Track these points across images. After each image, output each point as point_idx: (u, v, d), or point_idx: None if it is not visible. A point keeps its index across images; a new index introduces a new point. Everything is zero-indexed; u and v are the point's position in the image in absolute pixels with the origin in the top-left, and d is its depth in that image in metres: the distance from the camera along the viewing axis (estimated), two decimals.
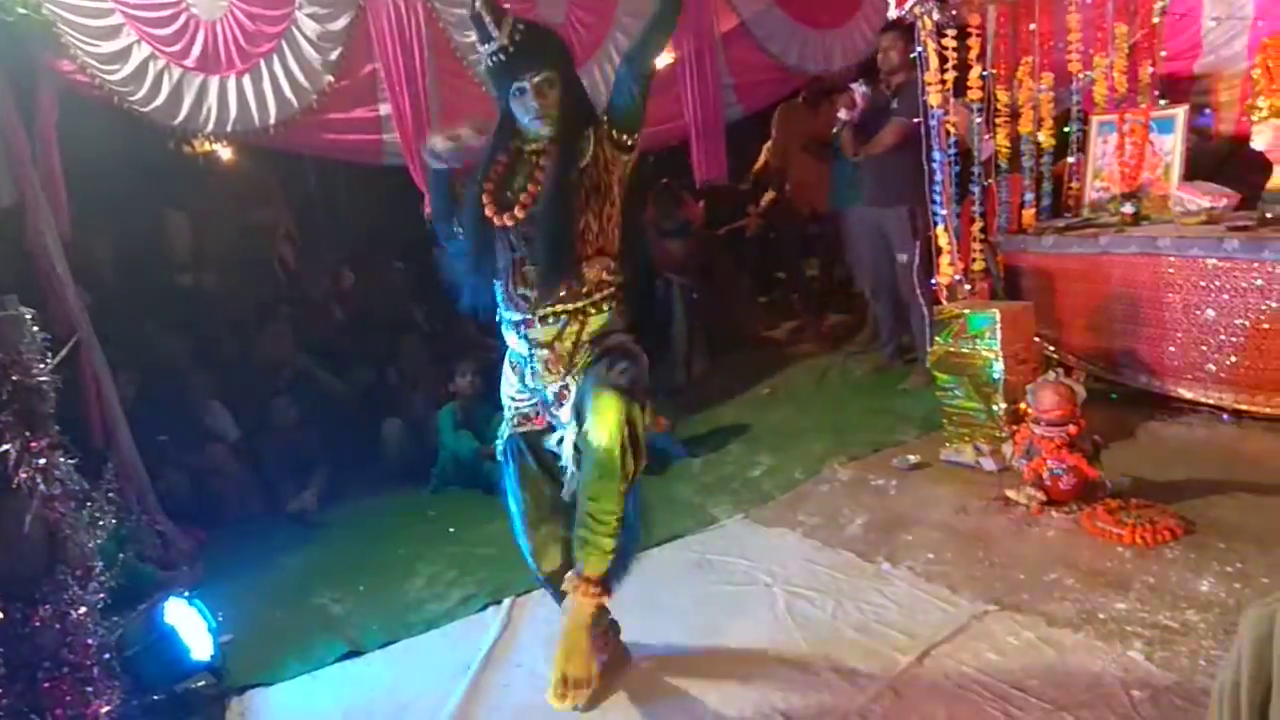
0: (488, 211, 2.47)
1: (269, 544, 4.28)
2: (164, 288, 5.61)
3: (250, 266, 5.98)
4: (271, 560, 4.10)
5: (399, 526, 4.36)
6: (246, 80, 4.18)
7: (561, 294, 2.50)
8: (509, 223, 2.45)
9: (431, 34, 4.55)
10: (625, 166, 2.57)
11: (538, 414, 2.67)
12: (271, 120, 4.27)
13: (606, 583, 2.53)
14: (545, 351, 2.54)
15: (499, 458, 2.77)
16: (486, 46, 2.42)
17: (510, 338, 2.62)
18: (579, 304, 2.52)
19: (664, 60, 5.45)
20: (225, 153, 6.24)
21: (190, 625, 3.03)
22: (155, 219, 5.81)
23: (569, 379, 2.54)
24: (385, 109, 4.54)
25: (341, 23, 4.35)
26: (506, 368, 2.72)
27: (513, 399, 2.70)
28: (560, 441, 2.64)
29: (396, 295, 6.07)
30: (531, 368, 2.58)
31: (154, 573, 3.67)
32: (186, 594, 3.17)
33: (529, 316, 2.53)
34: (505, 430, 2.74)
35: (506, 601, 3.35)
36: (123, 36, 3.87)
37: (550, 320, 2.52)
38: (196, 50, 4.04)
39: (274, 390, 5.08)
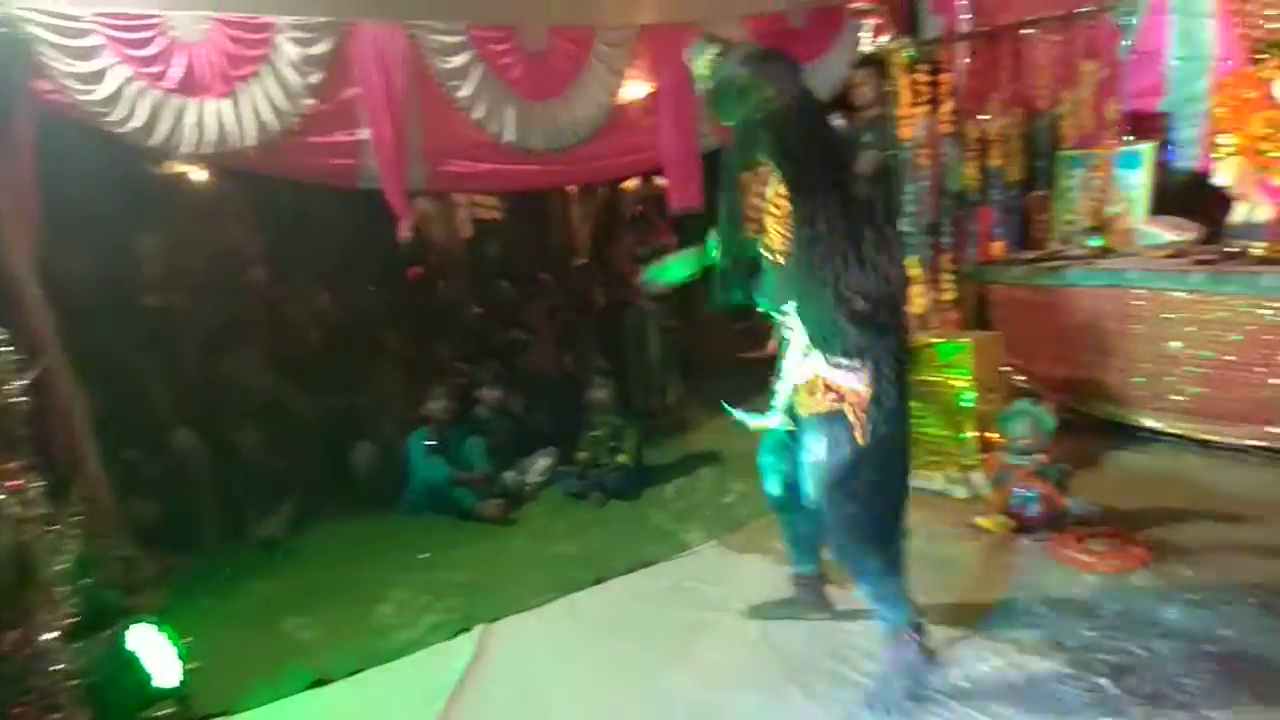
0: None
1: (237, 569, 4.22)
2: (134, 308, 5.55)
3: (222, 288, 5.93)
4: (239, 586, 4.05)
5: (369, 552, 4.32)
6: (226, 103, 4.17)
7: None
8: None
9: (412, 60, 4.57)
10: None
11: None
12: (250, 143, 4.25)
13: None
14: None
15: None
16: None
17: None
18: None
19: (642, 91, 5.51)
20: (199, 173, 6.21)
21: (155, 652, 2.97)
22: (127, 239, 5.76)
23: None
24: (364, 134, 4.54)
25: (323, 47, 4.35)
26: None
27: None
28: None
29: (370, 319, 6.05)
30: None
31: (119, 598, 3.60)
32: (152, 620, 3.12)
33: None
34: None
35: (478, 629, 3.32)
36: (102, 57, 3.85)
37: None
38: (177, 72, 4.02)
39: (244, 413, 5.04)
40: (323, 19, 4.28)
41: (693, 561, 3.73)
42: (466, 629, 3.34)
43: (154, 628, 3.03)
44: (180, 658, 3.03)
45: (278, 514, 4.64)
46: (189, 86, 4.07)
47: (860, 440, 2.46)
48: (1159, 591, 2.97)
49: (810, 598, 3.09)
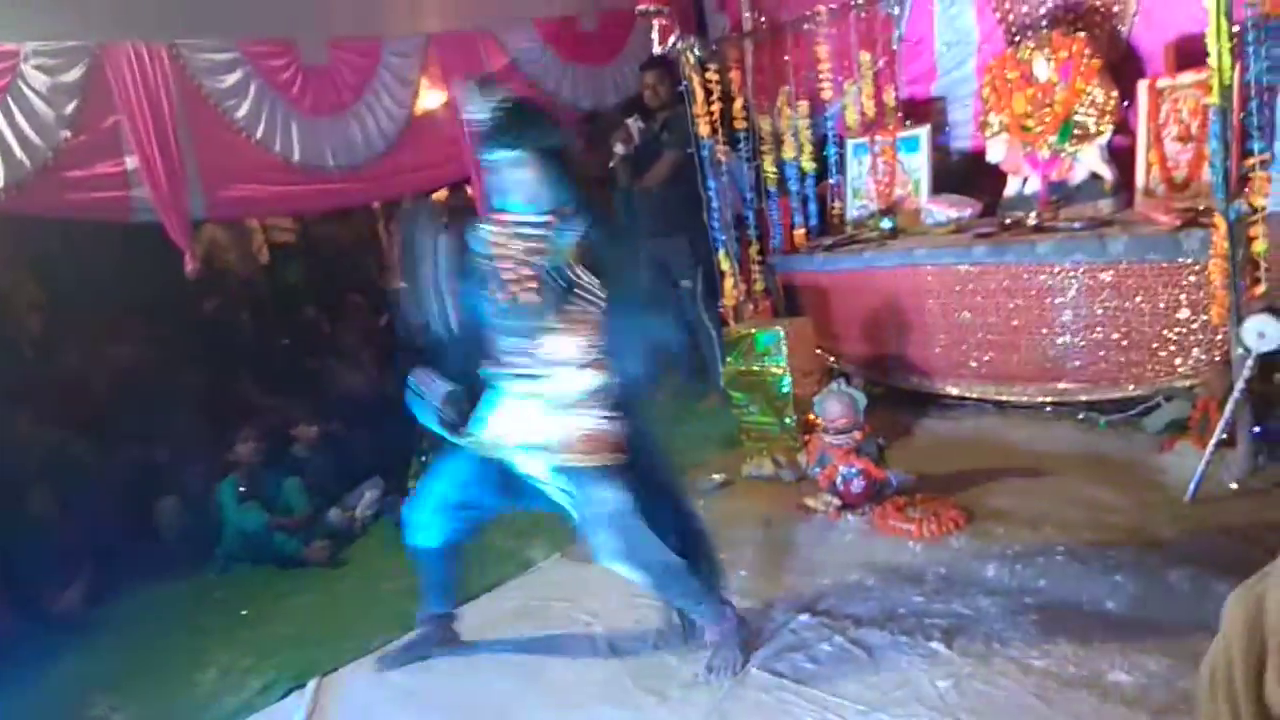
0: None
1: (29, 654, 3.80)
2: None
3: None
4: (35, 673, 3.65)
5: (183, 615, 3.99)
6: None
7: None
8: None
9: (180, 81, 4.26)
10: None
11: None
12: (0, 183, 3.85)
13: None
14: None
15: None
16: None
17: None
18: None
19: (436, 101, 5.36)
20: None
21: None
22: None
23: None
24: (132, 162, 4.20)
25: (75, 74, 3.99)
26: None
27: None
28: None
29: (163, 360, 5.60)
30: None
31: None
32: None
33: None
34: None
35: (311, 683, 3.12)
36: None
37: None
38: None
39: (24, 477, 4.54)
40: (71, 43, 3.92)
41: (537, 579, 3.65)
42: (300, 685, 3.14)
43: None
44: None
45: (74, 585, 4.21)
46: None
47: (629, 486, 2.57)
48: (977, 552, 3.13)
49: (443, 635, 3.12)
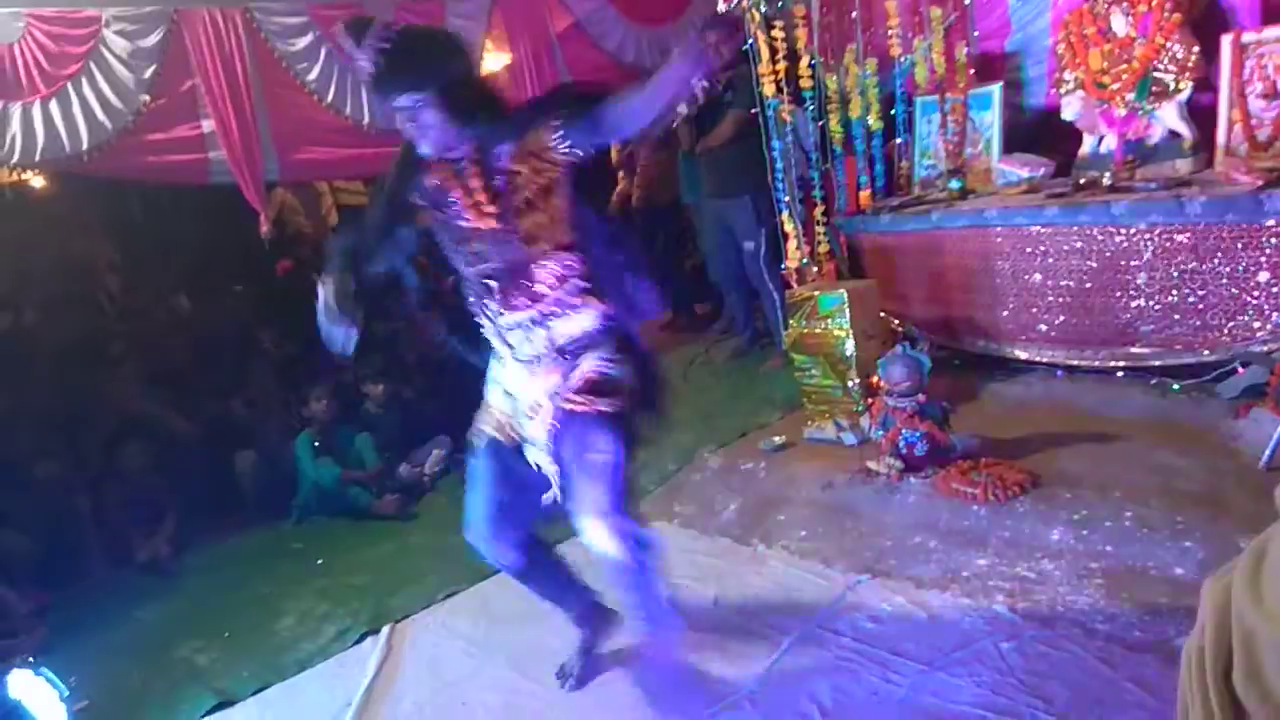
0: None
1: (121, 599, 4.01)
2: None
3: (73, 303, 5.57)
4: (125, 616, 3.85)
5: (262, 564, 4.17)
6: (54, 105, 3.90)
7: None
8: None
9: (253, 45, 4.35)
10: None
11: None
12: (84, 146, 4.00)
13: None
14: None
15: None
16: None
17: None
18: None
19: (501, 61, 5.39)
20: (37, 182, 5.80)
21: (38, 697, 2.80)
22: None
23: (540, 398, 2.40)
24: (209, 125, 4.32)
25: (154, 39, 4.11)
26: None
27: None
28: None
29: (238, 320, 5.78)
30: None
31: None
32: (30, 663, 2.93)
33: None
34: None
35: (385, 630, 3.24)
36: None
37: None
38: None
39: (112, 435, 4.75)
40: (150, 8, 4.03)
41: None
42: (374, 631, 3.26)
43: (34, 671, 2.86)
44: (65, 699, 2.87)
45: (160, 535, 4.41)
46: (10, 90, 3.80)
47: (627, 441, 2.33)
48: (1042, 516, 3.10)
49: (599, 622, 2.80)
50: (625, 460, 2.33)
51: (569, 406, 2.33)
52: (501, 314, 2.38)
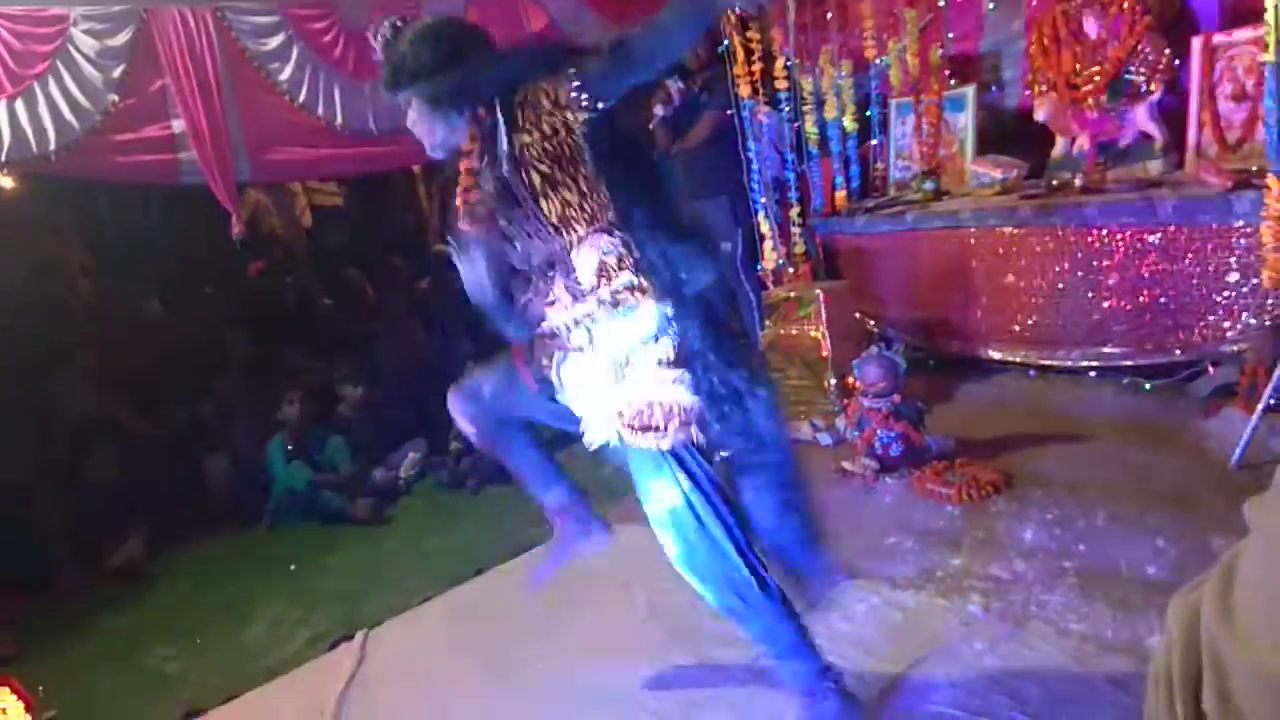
0: None
1: (90, 606, 3.95)
2: None
3: (42, 305, 5.48)
4: (94, 623, 3.79)
5: (234, 570, 4.12)
6: (19, 104, 3.83)
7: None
8: None
9: (224, 44, 4.30)
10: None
11: None
12: (52, 146, 3.93)
13: None
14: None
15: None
16: None
17: None
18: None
19: None
20: (4, 182, 5.70)
21: (5, 707, 2.74)
22: None
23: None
24: (179, 125, 4.26)
25: (123, 37, 4.05)
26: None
27: None
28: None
29: (209, 322, 5.72)
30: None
31: None
32: None
33: None
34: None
35: (359, 636, 3.20)
36: None
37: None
38: None
39: (81, 440, 4.68)
40: (118, 7, 3.97)
41: None
42: (347, 637, 3.22)
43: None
44: (33, 709, 2.82)
45: (130, 540, 4.35)
46: None
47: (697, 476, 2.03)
48: (1016, 516, 3.12)
49: (581, 519, 2.67)
50: (700, 500, 2.01)
51: (622, 440, 2.05)
52: (547, 313, 2.12)
